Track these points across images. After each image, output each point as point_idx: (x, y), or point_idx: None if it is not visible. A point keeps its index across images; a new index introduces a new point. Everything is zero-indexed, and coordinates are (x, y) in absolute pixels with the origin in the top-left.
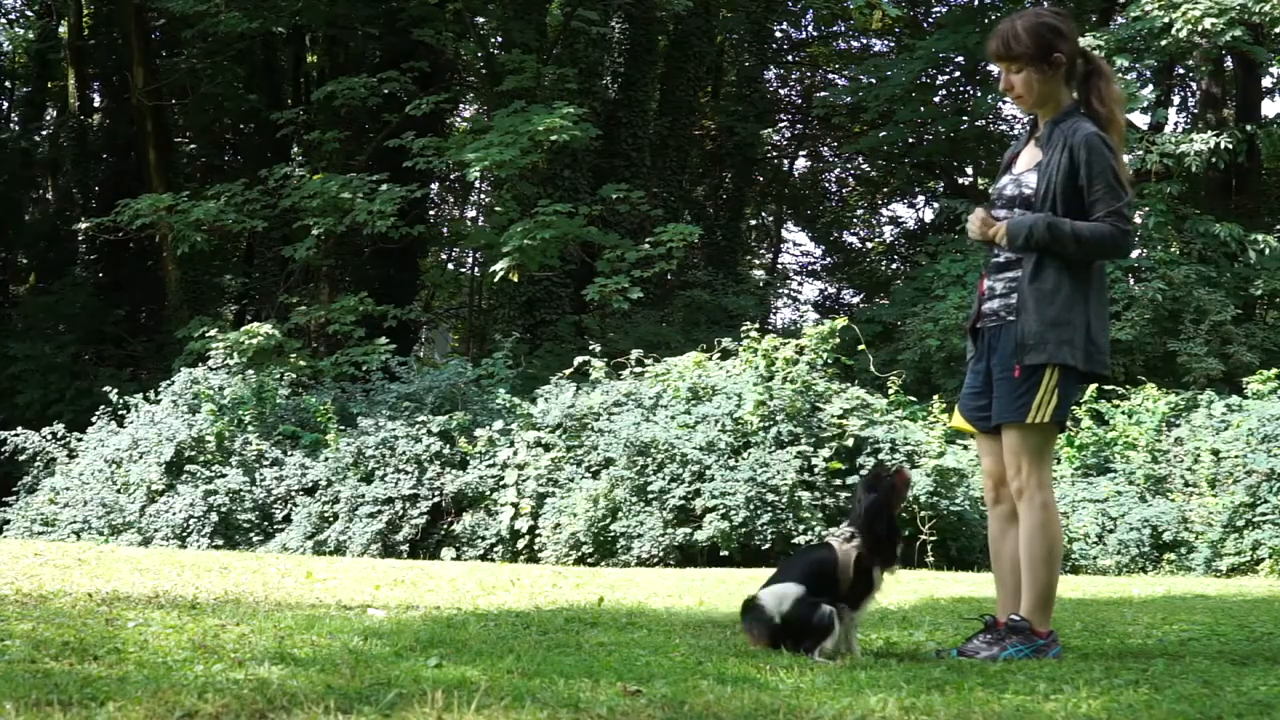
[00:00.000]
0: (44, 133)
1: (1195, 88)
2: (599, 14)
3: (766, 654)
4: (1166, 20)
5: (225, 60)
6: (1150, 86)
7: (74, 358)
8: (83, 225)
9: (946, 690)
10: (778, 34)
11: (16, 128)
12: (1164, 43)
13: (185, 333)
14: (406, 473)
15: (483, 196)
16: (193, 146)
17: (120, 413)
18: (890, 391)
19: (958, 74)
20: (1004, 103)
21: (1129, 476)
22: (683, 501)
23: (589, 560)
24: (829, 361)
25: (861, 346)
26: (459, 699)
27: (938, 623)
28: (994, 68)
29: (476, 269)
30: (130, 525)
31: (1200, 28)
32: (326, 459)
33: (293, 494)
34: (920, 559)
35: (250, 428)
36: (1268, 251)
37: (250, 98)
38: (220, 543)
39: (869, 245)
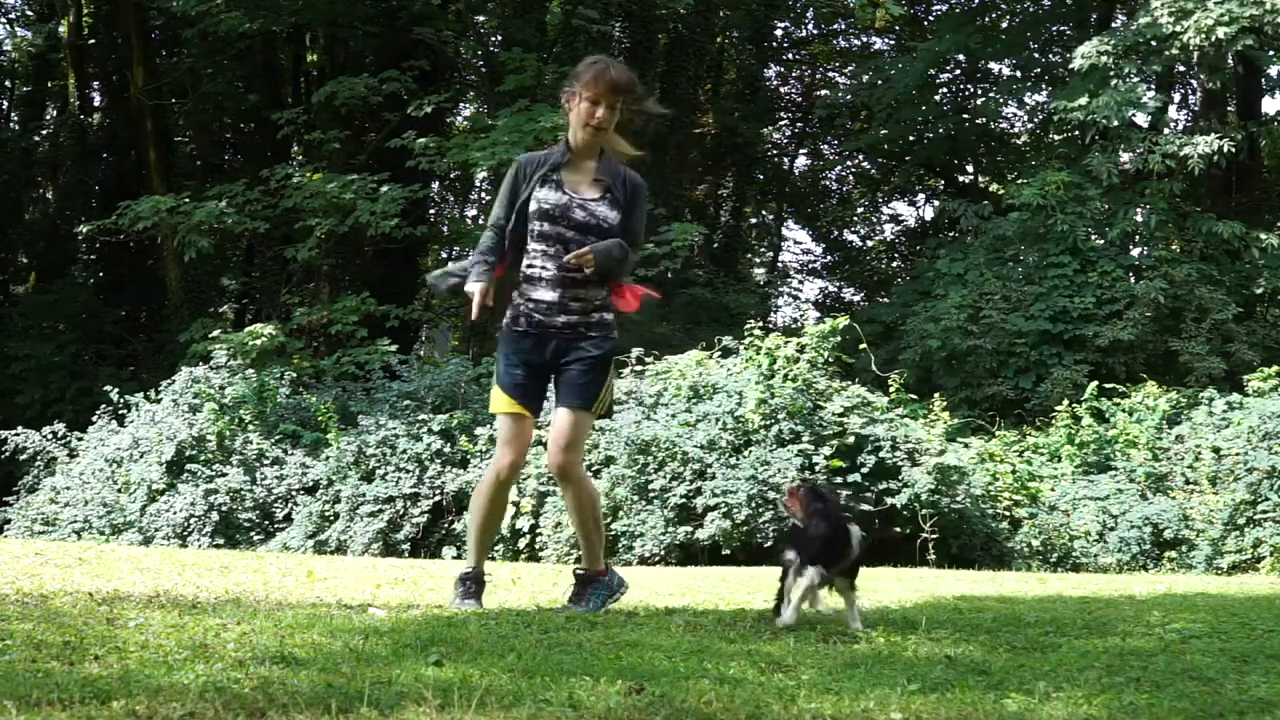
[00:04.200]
0: (44, 133)
1: (1196, 85)
2: (599, 12)
3: (766, 652)
4: (1176, 28)
5: (225, 60)
6: (1153, 91)
7: (74, 357)
8: (83, 229)
9: (946, 690)
10: (778, 32)
11: (16, 128)
12: (1174, 50)
13: (188, 335)
14: (407, 471)
15: (483, 195)
16: (193, 146)
17: (121, 412)
18: (891, 390)
19: (958, 73)
20: (1006, 103)
21: (1130, 474)
22: (684, 500)
23: None
24: (830, 360)
25: (862, 345)
26: (459, 698)
27: (939, 621)
28: (595, 97)
29: None
30: (131, 524)
31: (1213, 37)
32: (327, 458)
33: (293, 493)
34: (922, 557)
35: (251, 427)
36: (1269, 250)
37: (250, 97)
38: (221, 542)
39: (869, 243)
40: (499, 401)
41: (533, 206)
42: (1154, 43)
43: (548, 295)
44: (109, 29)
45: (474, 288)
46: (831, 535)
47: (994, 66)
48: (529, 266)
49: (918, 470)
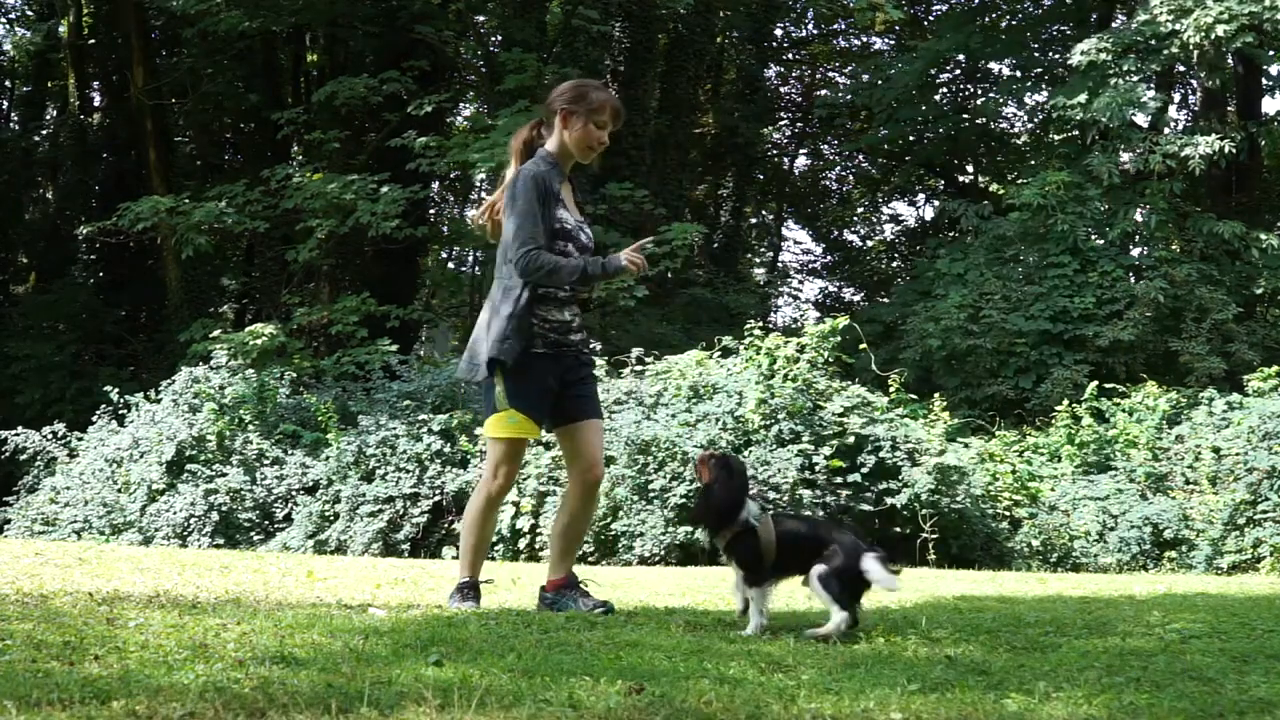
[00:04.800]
0: (44, 132)
1: (1196, 85)
2: (599, 12)
3: (766, 652)
4: (1176, 26)
5: (225, 60)
6: (1153, 90)
7: (74, 357)
8: (84, 229)
9: (946, 690)
10: (778, 32)
11: (16, 128)
12: (1174, 49)
13: (188, 335)
14: (407, 471)
15: (483, 195)
16: (193, 146)
17: (121, 412)
18: (891, 390)
19: (958, 73)
20: (1006, 103)
21: (1130, 474)
22: (684, 500)
23: (590, 559)
24: (830, 360)
25: (863, 345)
26: (459, 698)
27: (939, 621)
28: (604, 122)
29: (477, 268)
30: (131, 524)
31: (1213, 35)
32: (327, 458)
33: (293, 493)
34: (922, 557)
35: (251, 427)
36: (1269, 250)
37: (250, 97)
38: (221, 542)
39: (869, 243)
40: (521, 426)
41: (556, 226)
42: (1153, 41)
43: (562, 315)
44: (109, 29)
45: (623, 254)
46: (722, 504)
47: (994, 66)
48: (544, 287)
49: (918, 470)
